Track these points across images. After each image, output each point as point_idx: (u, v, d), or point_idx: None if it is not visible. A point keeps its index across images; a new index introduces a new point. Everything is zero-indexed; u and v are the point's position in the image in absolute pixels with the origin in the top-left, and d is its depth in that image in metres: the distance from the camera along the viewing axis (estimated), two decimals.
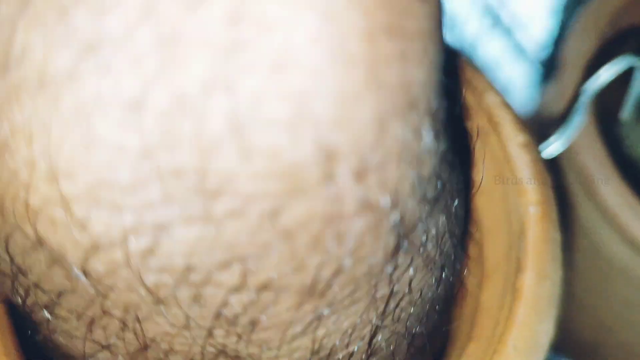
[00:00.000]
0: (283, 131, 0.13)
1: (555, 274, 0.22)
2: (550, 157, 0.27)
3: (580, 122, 0.31)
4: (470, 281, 0.24)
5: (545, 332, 0.21)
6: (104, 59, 0.12)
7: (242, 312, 0.16)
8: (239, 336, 0.16)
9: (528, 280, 0.21)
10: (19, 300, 0.17)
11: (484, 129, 0.23)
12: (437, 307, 0.22)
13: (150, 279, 0.15)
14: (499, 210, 0.23)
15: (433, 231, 0.19)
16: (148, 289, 0.15)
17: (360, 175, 0.14)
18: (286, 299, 0.16)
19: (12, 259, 0.16)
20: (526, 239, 0.22)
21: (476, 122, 0.23)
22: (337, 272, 0.16)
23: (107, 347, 0.17)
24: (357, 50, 0.13)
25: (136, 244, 0.14)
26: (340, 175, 0.14)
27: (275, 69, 0.13)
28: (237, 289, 0.15)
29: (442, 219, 0.19)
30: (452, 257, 0.21)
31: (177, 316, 0.16)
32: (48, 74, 0.13)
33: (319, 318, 0.16)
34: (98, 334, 0.17)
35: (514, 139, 0.23)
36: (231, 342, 0.16)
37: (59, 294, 0.16)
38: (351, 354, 0.18)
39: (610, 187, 0.37)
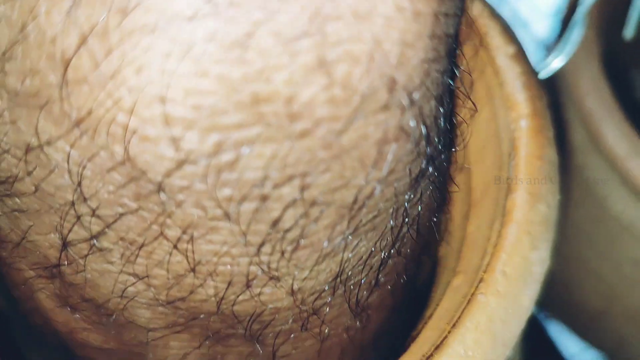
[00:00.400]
0: (360, 65, 0.16)
1: (550, 196, 0.19)
2: (549, 76, 0.24)
3: (578, 36, 0.28)
4: (457, 213, 0.21)
5: (539, 260, 0.18)
6: (218, 5, 0.15)
7: (292, 226, 0.17)
8: (282, 253, 0.18)
9: (519, 201, 0.18)
10: (59, 237, 0.18)
11: (470, 40, 0.21)
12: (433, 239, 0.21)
13: (221, 193, 0.17)
14: (488, 132, 0.21)
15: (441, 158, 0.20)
16: (218, 203, 0.16)
17: (407, 106, 0.17)
18: (327, 217, 0.17)
19: (79, 183, 0.17)
20: (517, 156, 0.19)
21: (461, 35, 0.21)
22: (370, 195, 0.18)
23: (144, 277, 0.18)
24: (420, 8, 0.16)
25: (217, 160, 0.16)
26: (393, 105, 0.17)
27: (357, 17, 0.16)
28: (293, 203, 0.17)
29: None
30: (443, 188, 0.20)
31: (233, 233, 0.17)
32: (166, 15, 0.15)
33: (345, 240, 0.18)
34: (139, 264, 0.18)
35: (503, 50, 0.20)
36: (274, 261, 0.18)
37: (118, 217, 0.17)
38: (360, 283, 0.19)
39: (618, 134, 0.34)
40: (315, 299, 0.19)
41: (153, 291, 0.19)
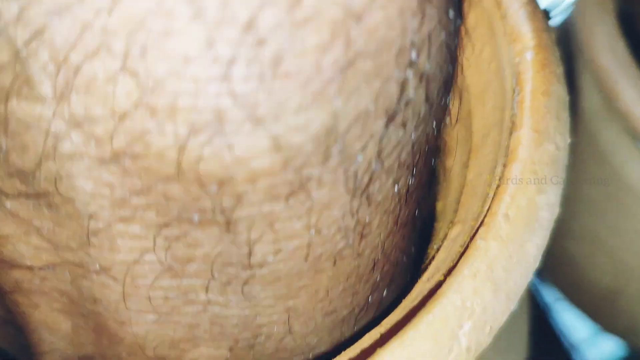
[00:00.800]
0: None
1: (559, 136, 0.17)
2: (560, 22, 0.22)
3: None
4: (457, 162, 0.19)
5: (546, 204, 0.16)
6: None
7: (268, 36, 0.15)
8: (261, 79, 0.15)
9: (525, 140, 0.16)
10: None
11: None
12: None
13: None
14: (489, 72, 0.19)
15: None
16: None
17: None
18: (319, 31, 0.15)
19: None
20: (523, 91, 0.17)
21: None
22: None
23: (81, 123, 0.16)
24: None
25: None
26: None
27: None
28: None
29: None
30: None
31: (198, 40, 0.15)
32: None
33: (338, 88, 0.15)
34: (75, 102, 0.15)
35: None
36: (251, 93, 0.15)
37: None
38: (356, 156, 0.16)
39: (635, 93, 0.32)
40: (303, 164, 0.16)
41: (94, 144, 0.15)
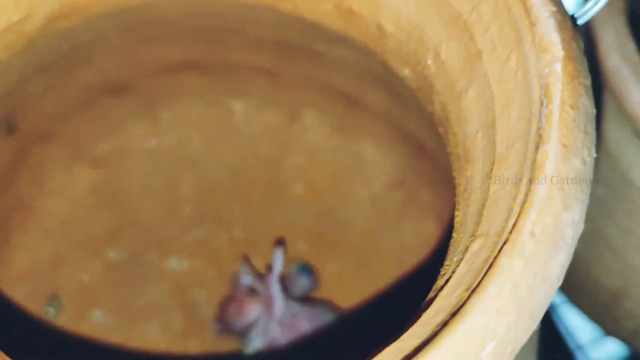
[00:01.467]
0: None
1: (586, 151, 0.17)
2: (586, 22, 0.21)
3: None
4: (478, 173, 0.19)
5: (572, 222, 0.16)
6: None
7: None
8: None
9: (552, 154, 0.16)
10: None
11: None
12: None
13: None
14: (515, 81, 0.18)
15: None
16: None
17: None
18: None
19: None
20: (551, 103, 0.17)
21: None
22: None
23: None
24: None
25: None
26: None
27: None
28: None
29: None
30: None
31: None
32: None
33: None
34: None
35: None
36: None
37: None
38: None
39: None
40: None
41: None
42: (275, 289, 0.40)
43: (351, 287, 0.42)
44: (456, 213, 0.20)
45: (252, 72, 0.41)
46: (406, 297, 0.42)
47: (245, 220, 0.43)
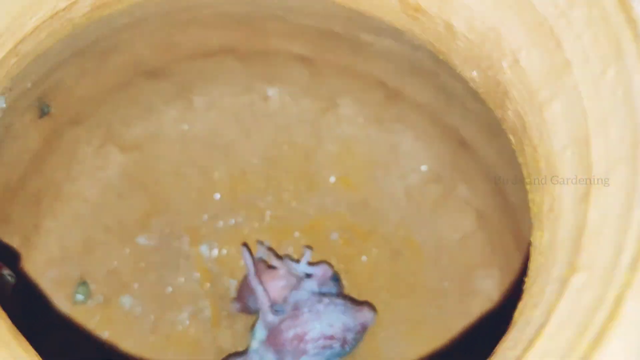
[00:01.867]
0: None
1: None
2: None
3: None
4: (568, 193, 0.18)
5: None
6: None
7: None
8: None
9: None
10: None
11: None
12: None
13: None
14: (616, 96, 0.17)
15: None
16: None
17: None
18: None
19: None
20: None
21: None
22: None
23: None
24: None
25: None
26: None
27: None
28: None
29: None
30: None
31: None
32: None
33: None
34: None
35: None
36: None
37: None
38: None
39: None
40: None
41: None
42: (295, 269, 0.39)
43: (384, 281, 0.41)
44: (538, 233, 0.19)
45: (289, 58, 0.39)
46: (444, 299, 0.41)
47: (277, 208, 0.42)
